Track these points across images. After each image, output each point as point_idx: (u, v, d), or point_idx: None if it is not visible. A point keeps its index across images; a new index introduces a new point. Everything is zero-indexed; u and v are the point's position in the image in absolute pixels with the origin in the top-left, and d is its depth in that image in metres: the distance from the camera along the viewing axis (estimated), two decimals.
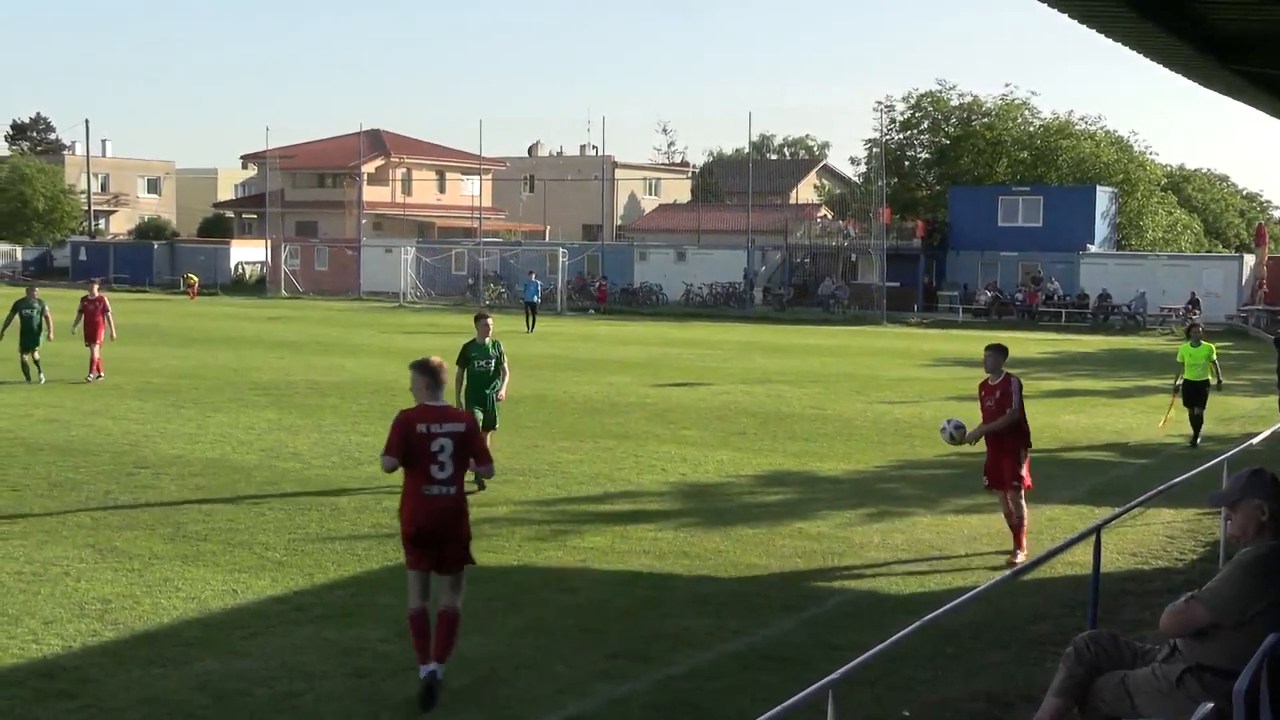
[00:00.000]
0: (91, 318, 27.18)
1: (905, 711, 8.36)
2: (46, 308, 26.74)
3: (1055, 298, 56.62)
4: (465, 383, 15.78)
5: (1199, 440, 20.88)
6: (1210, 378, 21.19)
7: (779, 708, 5.36)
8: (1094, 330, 51.93)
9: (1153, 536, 14.02)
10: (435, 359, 8.97)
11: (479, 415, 15.53)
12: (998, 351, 13.01)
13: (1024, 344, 43.48)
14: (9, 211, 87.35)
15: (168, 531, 13.45)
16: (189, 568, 12.02)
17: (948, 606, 7.29)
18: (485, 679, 9.19)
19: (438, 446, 8.65)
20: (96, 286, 28.79)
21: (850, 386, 28.70)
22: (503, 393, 16.31)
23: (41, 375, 26.05)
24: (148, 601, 10.91)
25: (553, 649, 9.87)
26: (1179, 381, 21.31)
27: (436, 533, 8.70)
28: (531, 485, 16.38)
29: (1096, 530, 9.25)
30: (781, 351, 38.45)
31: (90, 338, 27.06)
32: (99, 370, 26.73)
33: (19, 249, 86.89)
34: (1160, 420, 21.85)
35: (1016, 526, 12.93)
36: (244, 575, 11.81)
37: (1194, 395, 21.22)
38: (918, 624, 6.90)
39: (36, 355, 26.26)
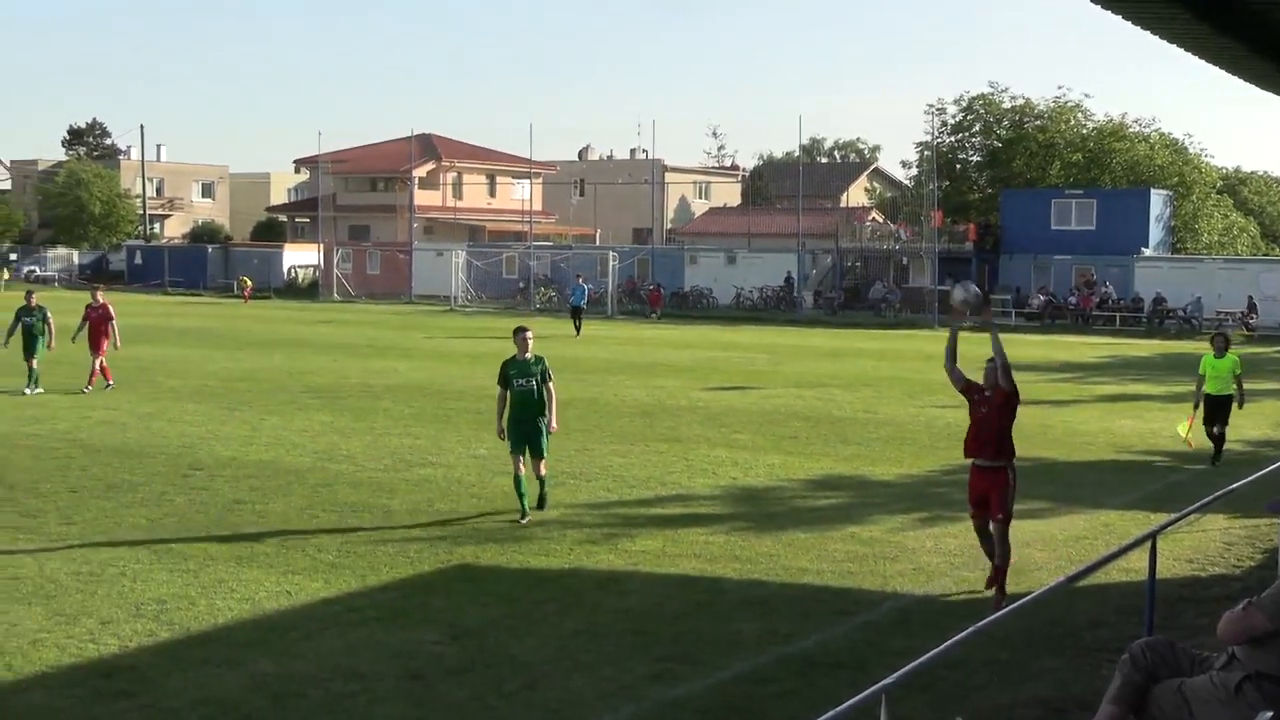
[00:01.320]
0: (95, 326, 25.80)
1: (958, 717, 8.30)
2: (49, 314, 25.81)
3: (1109, 301, 56.13)
4: (507, 405, 14.58)
5: (1218, 460, 18.65)
6: (1233, 391, 18.72)
7: (832, 712, 5.33)
8: (1149, 334, 51.38)
9: (1210, 543, 13.86)
10: None
11: (523, 442, 14.41)
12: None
13: (1078, 348, 43.22)
14: (66, 216, 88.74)
15: (222, 533, 13.60)
16: (243, 569, 12.13)
17: (1002, 611, 7.24)
18: (537, 681, 9.21)
19: None
20: (100, 293, 27.05)
21: (902, 390, 28.55)
22: (554, 423, 14.77)
23: (39, 387, 24.91)
24: (203, 602, 11.03)
25: (604, 652, 9.88)
26: (1199, 396, 18.87)
27: None
28: (583, 488, 16.40)
29: (1153, 536, 9.15)
30: (832, 355, 38.32)
31: (94, 347, 25.69)
32: (107, 378, 25.61)
33: (75, 253, 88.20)
34: (1185, 439, 18.75)
35: (999, 566, 11.71)
36: (297, 577, 11.91)
37: (1216, 411, 18.79)
38: (972, 629, 6.83)
39: (35, 364, 25.22)
